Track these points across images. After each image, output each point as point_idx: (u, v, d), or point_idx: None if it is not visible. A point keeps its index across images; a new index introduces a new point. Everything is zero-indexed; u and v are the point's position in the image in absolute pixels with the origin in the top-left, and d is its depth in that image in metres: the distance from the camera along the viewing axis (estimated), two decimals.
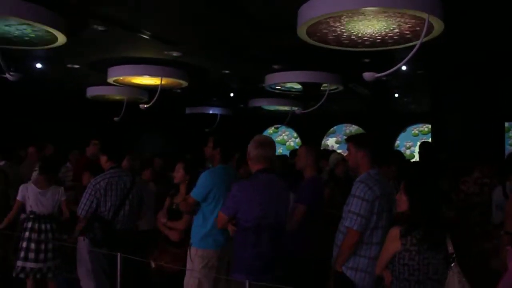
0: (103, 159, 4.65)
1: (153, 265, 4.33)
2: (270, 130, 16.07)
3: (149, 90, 8.43)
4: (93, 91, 9.01)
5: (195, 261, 4.03)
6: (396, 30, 4.23)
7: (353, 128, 14.88)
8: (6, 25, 4.60)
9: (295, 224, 4.04)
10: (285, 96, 9.46)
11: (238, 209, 3.34)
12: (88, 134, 7.35)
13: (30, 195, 4.90)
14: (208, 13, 4.61)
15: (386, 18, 3.91)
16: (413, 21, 3.91)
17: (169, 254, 4.35)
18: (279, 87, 7.99)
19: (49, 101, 10.32)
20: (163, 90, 7.36)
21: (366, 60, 6.26)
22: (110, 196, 4.47)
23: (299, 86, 7.98)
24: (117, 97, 9.11)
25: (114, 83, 7.59)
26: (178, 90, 8.76)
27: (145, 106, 7.52)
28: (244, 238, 3.33)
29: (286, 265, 3.56)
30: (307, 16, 3.95)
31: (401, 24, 4.05)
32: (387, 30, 4.24)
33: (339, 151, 9.29)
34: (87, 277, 5.06)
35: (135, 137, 11.61)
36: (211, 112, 12.21)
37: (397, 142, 14.33)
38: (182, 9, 4.50)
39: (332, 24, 4.12)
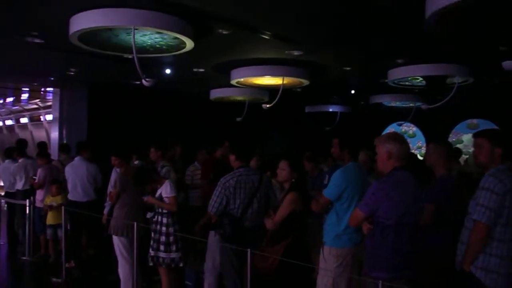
0: (232, 158, 4.85)
1: None
2: (392, 128, 15.49)
3: (270, 90, 8.57)
4: (216, 93, 9.41)
5: (329, 260, 4.03)
6: None
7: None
8: (142, 36, 4.95)
9: (424, 223, 3.86)
10: (408, 91, 9.08)
11: (378, 207, 3.32)
12: (212, 134, 7.66)
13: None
14: (328, 9, 4.55)
15: None
16: None
17: (265, 252, 4.35)
18: (403, 82, 7.67)
19: (177, 104, 10.95)
20: (284, 89, 7.44)
21: (503, 48, 5.74)
22: (239, 194, 4.63)
23: (423, 81, 7.60)
24: (239, 98, 9.41)
25: (237, 85, 7.82)
26: (298, 89, 8.80)
27: (267, 106, 7.65)
28: (383, 235, 3.32)
29: (421, 264, 3.48)
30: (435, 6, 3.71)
31: None
32: None
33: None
34: (209, 271, 5.31)
35: (257, 137, 11.88)
36: (330, 110, 12.12)
37: None
38: (303, 6, 4.48)
39: None
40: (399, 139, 3.47)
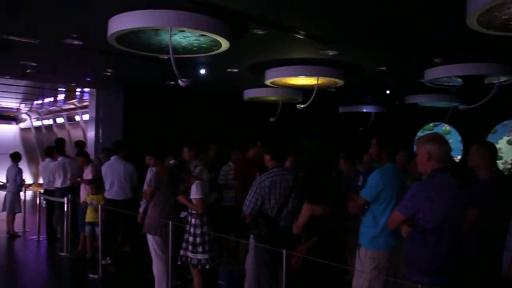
0: (267, 158, 4.84)
1: None
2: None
3: (304, 90, 8.54)
4: (249, 93, 9.45)
5: (365, 263, 3.98)
6: None
7: None
8: (182, 38, 5.00)
9: (467, 228, 3.76)
10: (445, 91, 8.89)
11: (418, 210, 3.23)
12: (245, 135, 7.65)
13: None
14: (364, 9, 4.49)
15: None
16: None
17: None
18: (439, 82, 7.51)
19: (211, 104, 11.02)
20: (318, 90, 7.39)
21: None
22: (274, 194, 4.62)
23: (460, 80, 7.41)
24: (273, 98, 9.41)
25: (271, 85, 7.81)
26: (333, 89, 8.74)
27: (302, 106, 7.62)
28: (423, 239, 3.23)
29: (462, 269, 3.39)
30: (478, 3, 3.62)
31: None
32: None
33: None
34: (250, 271, 5.30)
35: (290, 137, 11.85)
36: (364, 110, 12.00)
37: None
38: (338, 6, 4.43)
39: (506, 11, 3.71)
40: (440, 140, 3.37)
